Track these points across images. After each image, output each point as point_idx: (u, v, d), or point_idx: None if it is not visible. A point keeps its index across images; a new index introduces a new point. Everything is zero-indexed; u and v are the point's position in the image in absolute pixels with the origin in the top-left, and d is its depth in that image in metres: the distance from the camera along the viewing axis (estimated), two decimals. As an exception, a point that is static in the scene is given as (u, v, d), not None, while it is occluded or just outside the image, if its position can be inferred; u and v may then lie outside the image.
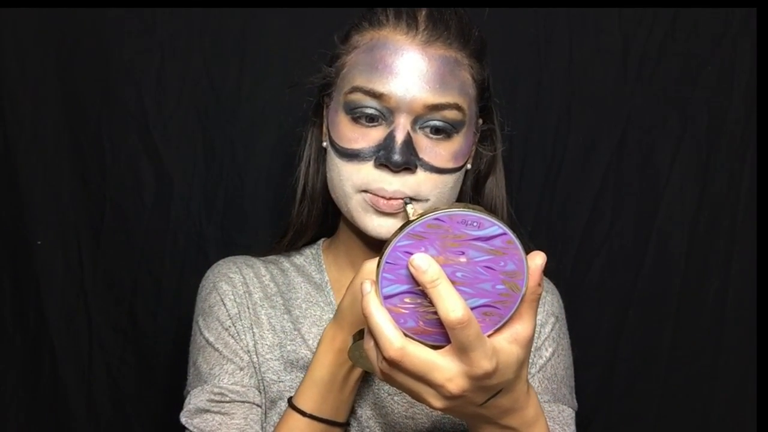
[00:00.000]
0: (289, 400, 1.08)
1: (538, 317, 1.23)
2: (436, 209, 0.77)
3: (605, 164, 1.54)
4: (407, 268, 0.77)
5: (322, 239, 1.33)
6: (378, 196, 1.08)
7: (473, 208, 0.77)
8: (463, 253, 0.77)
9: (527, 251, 0.79)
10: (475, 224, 0.76)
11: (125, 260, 1.55)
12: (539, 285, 0.79)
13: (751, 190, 1.50)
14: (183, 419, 1.15)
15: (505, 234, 0.76)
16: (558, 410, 1.18)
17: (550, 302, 1.26)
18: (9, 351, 1.55)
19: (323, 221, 1.29)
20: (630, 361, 1.55)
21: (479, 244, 0.77)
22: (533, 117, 1.54)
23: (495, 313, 0.79)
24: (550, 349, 1.21)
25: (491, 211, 1.23)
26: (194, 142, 1.54)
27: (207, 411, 1.13)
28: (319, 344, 1.06)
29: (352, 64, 1.11)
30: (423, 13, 1.09)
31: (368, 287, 0.80)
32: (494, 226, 0.76)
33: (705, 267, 1.53)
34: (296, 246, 1.31)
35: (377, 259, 0.79)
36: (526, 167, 1.55)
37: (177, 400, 1.21)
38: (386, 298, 0.79)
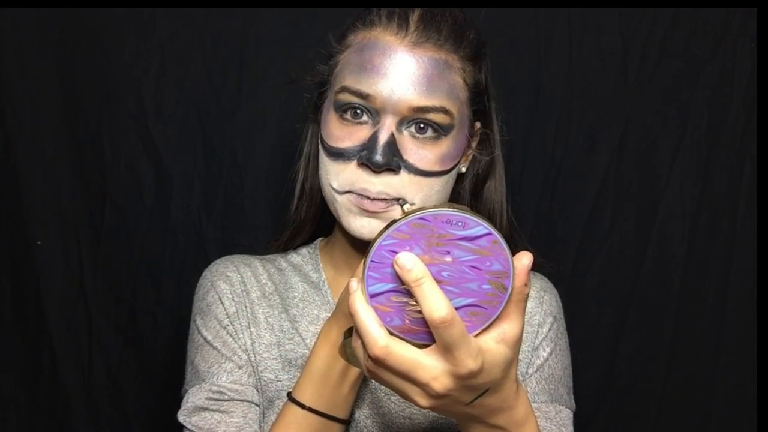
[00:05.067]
0: (288, 394, 1.07)
1: (537, 317, 1.23)
2: (421, 209, 0.77)
3: (605, 164, 1.53)
4: (392, 266, 0.77)
5: (320, 239, 1.33)
6: (362, 195, 1.08)
7: (458, 208, 0.76)
8: (448, 253, 0.77)
9: (514, 252, 0.78)
10: (460, 224, 0.76)
11: (125, 260, 1.56)
12: (526, 285, 0.79)
13: (751, 190, 1.49)
14: (181, 418, 1.15)
15: (490, 234, 0.76)
16: (555, 411, 1.17)
17: (549, 302, 1.26)
18: (9, 351, 1.56)
19: (321, 220, 1.30)
20: (630, 361, 1.55)
21: (464, 243, 0.77)
22: (533, 117, 1.54)
23: (481, 313, 0.79)
24: (547, 349, 1.21)
25: (489, 215, 1.23)
26: (194, 142, 1.54)
27: (206, 409, 1.13)
28: (317, 337, 1.06)
29: (343, 64, 1.12)
30: (416, 13, 1.09)
31: (354, 285, 0.80)
32: (479, 226, 0.76)
33: (705, 267, 1.53)
34: (293, 244, 1.31)
35: None
36: (526, 167, 1.55)
37: (177, 400, 1.20)
38: (372, 296, 0.79)
